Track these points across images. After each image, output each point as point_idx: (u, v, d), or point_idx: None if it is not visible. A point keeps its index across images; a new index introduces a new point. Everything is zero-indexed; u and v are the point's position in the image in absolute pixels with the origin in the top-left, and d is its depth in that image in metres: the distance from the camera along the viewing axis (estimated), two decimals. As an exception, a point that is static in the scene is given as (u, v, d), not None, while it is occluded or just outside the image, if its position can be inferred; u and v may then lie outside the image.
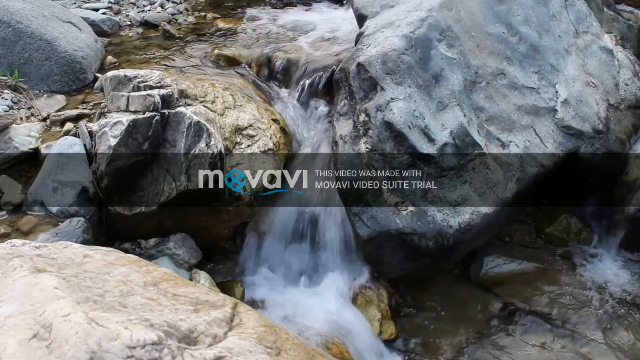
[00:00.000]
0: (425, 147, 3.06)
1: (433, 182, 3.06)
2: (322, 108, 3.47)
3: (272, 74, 3.71)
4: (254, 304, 2.97)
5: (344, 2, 4.68)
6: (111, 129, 2.85)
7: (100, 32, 4.06)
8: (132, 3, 4.51)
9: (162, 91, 2.98)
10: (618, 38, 3.95)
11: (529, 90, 3.44)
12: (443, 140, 3.09)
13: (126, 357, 1.66)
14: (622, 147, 3.64)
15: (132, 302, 1.93)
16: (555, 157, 3.38)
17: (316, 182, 3.17)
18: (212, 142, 2.87)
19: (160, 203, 2.88)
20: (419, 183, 3.04)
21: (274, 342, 1.96)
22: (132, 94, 2.96)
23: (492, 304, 3.41)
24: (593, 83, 3.64)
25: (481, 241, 3.47)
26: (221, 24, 4.31)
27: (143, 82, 3.01)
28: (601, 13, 4.02)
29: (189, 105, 3.02)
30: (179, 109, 2.96)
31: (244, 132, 3.14)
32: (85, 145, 3.02)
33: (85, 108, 3.39)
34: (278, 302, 3.06)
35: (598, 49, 3.76)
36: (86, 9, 4.27)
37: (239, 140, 3.10)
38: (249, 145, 3.11)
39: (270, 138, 3.18)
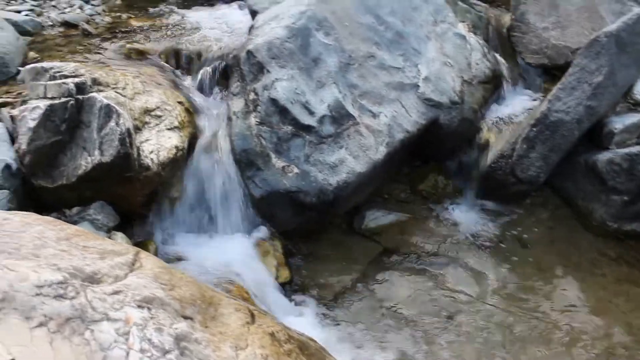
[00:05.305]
0: (306, 119, 3.20)
1: (314, 148, 3.21)
2: (220, 91, 3.55)
3: (178, 63, 3.76)
4: (166, 258, 3.03)
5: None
6: (30, 113, 2.87)
7: (23, 31, 3.99)
8: (53, 6, 4.44)
9: (76, 79, 3.00)
10: (470, 26, 4.19)
11: (395, 70, 3.62)
12: (322, 113, 3.24)
13: (35, 294, 1.73)
14: (475, 115, 3.88)
15: (45, 254, 1.98)
16: (419, 124, 3.58)
17: (216, 152, 3.26)
18: (121, 121, 2.91)
19: (78, 176, 2.91)
20: (302, 149, 3.18)
21: (168, 280, 2.05)
22: (49, 82, 2.97)
23: (373, 249, 3.58)
24: (450, 63, 3.86)
25: (362, 197, 3.63)
26: (134, 23, 4.30)
27: (59, 72, 3.03)
28: (456, 6, 4.25)
29: (101, 91, 3.05)
30: (91, 94, 2.98)
31: (152, 113, 3.18)
32: (7, 128, 3.01)
33: (9, 97, 3.34)
34: (188, 255, 3.12)
35: (453, 35, 3.99)
36: (9, 11, 4.20)
37: (147, 120, 3.14)
38: (156, 124, 3.16)
39: (176, 117, 3.24)
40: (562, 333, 3.09)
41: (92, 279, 1.89)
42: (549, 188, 3.94)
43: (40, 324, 1.68)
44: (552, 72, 4.23)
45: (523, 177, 3.69)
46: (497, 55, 4.21)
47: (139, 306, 1.83)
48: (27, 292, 1.72)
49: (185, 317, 1.93)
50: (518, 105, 4.12)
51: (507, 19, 4.43)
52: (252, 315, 2.19)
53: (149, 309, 1.85)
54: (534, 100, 4.17)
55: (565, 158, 3.71)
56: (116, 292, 1.85)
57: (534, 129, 3.61)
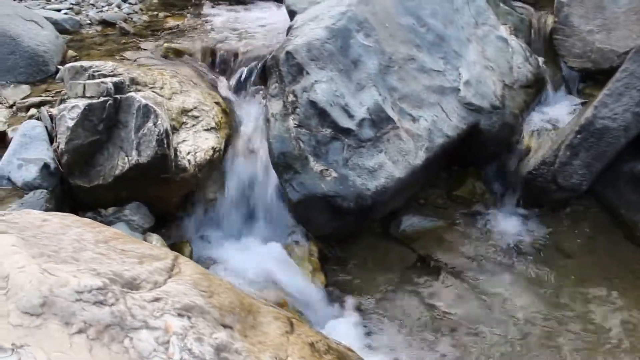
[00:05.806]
0: (345, 122, 3.14)
1: (353, 152, 3.14)
2: (258, 92, 3.50)
3: (215, 63, 3.73)
4: (201, 261, 2.99)
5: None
6: (69, 112, 2.85)
7: (62, 30, 4.02)
8: (91, 4, 4.46)
9: (115, 79, 2.98)
10: (512, 29, 4.08)
11: (435, 73, 3.53)
12: (361, 116, 3.17)
13: (75, 300, 1.69)
14: (515, 120, 3.77)
15: (84, 257, 1.95)
16: (459, 129, 3.49)
17: (253, 154, 3.22)
18: (159, 122, 2.88)
19: (115, 176, 2.89)
20: (341, 153, 3.12)
21: (207, 286, 2.00)
22: (88, 82, 2.96)
23: (409, 255, 3.50)
24: (491, 66, 3.76)
25: (399, 203, 3.55)
26: (171, 22, 4.30)
27: (97, 71, 3.02)
28: (497, 8, 4.14)
29: (139, 91, 3.02)
30: (130, 94, 2.96)
31: (189, 114, 3.15)
32: (46, 127, 3.01)
33: (48, 96, 3.36)
34: (223, 259, 3.10)
35: (495, 38, 3.88)
36: (49, 9, 4.23)
37: (184, 120, 3.12)
38: (193, 125, 3.13)
39: (213, 118, 3.21)
40: (603, 349, 2.97)
41: (132, 285, 1.85)
42: (590, 196, 3.80)
43: (80, 331, 1.64)
44: (595, 77, 4.10)
45: (565, 184, 3.57)
46: (539, 59, 4.09)
47: (179, 314, 1.78)
48: (67, 297, 1.68)
49: (225, 326, 1.88)
50: (560, 111, 3.99)
51: (549, 21, 4.29)
52: (291, 324, 2.13)
53: (188, 317, 1.80)
54: (577, 105, 4.04)
55: (609, 166, 3.58)
56: (156, 299, 1.80)
57: (578, 136, 3.49)
